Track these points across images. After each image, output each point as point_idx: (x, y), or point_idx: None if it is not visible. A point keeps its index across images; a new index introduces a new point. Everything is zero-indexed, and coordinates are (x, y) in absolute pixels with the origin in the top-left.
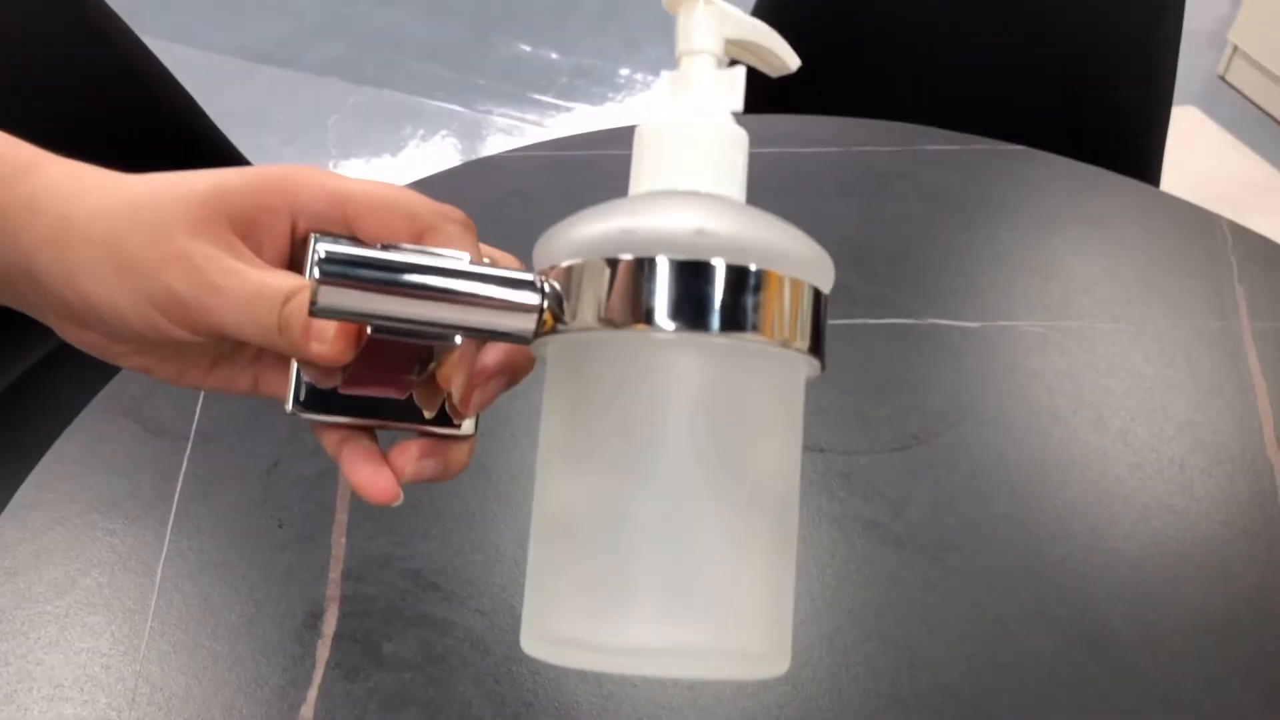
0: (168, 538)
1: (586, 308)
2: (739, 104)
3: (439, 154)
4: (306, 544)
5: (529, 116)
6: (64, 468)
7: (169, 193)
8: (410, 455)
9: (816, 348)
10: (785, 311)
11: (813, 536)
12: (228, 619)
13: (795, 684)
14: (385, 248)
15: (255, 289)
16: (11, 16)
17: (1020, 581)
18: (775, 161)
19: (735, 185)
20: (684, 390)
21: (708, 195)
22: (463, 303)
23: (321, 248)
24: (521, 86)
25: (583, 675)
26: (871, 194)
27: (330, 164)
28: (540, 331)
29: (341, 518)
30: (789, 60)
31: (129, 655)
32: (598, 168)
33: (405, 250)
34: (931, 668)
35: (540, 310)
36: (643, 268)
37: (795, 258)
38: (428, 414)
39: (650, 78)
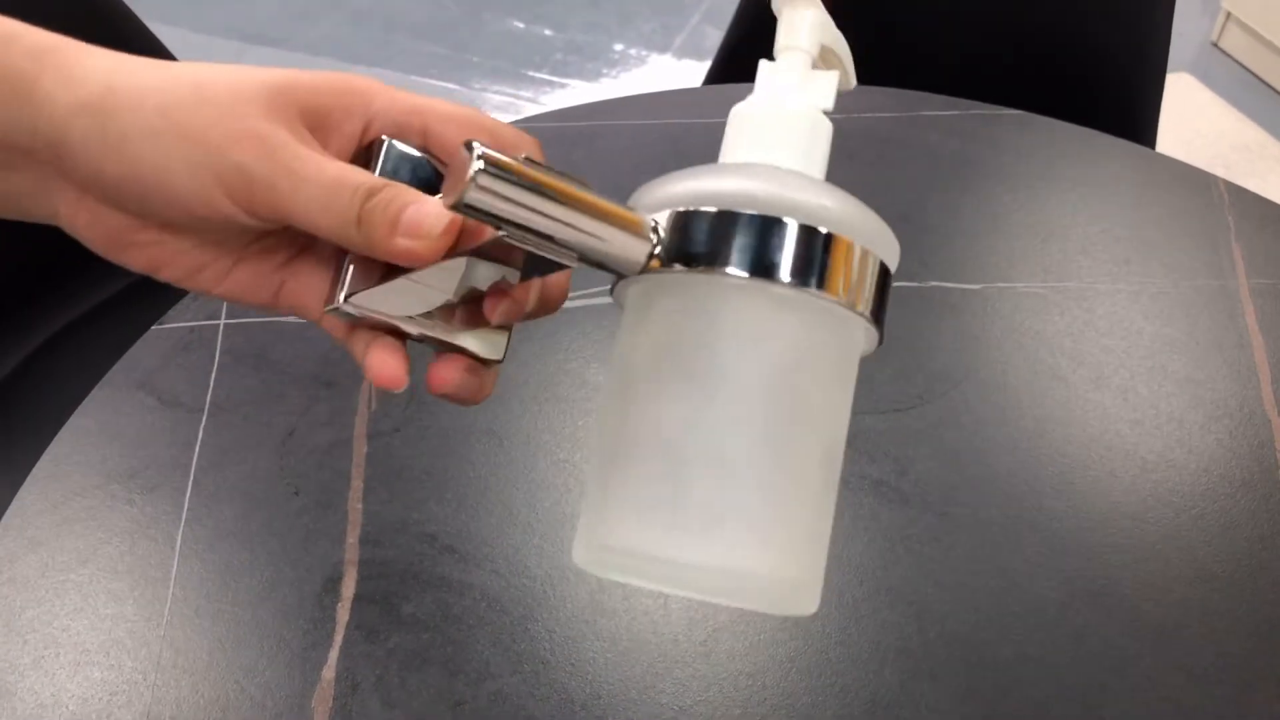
0: (186, 506)
1: (674, 252)
2: (830, 104)
3: None
4: (323, 510)
5: (524, 93)
6: (81, 440)
7: (238, 77)
8: (457, 367)
9: (878, 316)
10: (853, 276)
11: None
12: (248, 584)
13: (806, 638)
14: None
15: (335, 178)
16: None
17: (1024, 535)
18: None
19: (818, 166)
20: (752, 330)
21: (792, 169)
22: (596, 225)
23: (477, 147)
24: (516, 63)
25: (597, 633)
26: (873, 159)
27: None
28: (645, 267)
29: (357, 484)
30: (851, 78)
31: (153, 621)
32: (600, 139)
33: (544, 167)
34: (939, 620)
35: (653, 248)
36: (726, 220)
37: (868, 232)
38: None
39: (644, 52)
